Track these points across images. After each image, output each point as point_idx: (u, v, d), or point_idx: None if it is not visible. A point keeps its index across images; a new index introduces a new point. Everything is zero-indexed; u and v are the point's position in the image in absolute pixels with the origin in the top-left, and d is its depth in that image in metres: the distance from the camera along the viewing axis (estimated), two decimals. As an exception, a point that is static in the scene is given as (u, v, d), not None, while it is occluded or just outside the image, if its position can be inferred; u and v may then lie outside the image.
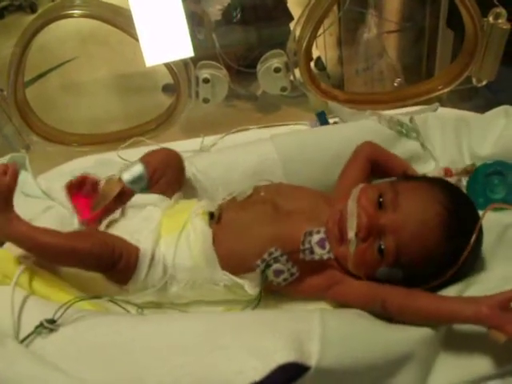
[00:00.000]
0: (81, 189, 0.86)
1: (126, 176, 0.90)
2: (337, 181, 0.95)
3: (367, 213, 0.77)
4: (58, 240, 0.78)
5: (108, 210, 0.88)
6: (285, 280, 0.82)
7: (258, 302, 0.80)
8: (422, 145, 1.03)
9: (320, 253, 0.80)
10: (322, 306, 0.83)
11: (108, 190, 0.87)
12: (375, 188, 0.82)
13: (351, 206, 0.79)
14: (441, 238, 0.74)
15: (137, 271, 0.80)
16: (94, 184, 0.87)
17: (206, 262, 0.82)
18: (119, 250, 0.79)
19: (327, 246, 0.81)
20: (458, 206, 0.77)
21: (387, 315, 0.74)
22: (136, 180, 0.89)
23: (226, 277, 0.81)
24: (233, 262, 0.82)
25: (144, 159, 0.93)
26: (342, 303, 0.81)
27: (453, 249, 0.74)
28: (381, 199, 0.78)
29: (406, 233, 0.74)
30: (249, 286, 0.80)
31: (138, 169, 0.90)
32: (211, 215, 0.86)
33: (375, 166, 0.95)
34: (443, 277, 0.75)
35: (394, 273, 0.76)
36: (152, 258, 0.81)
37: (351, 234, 0.76)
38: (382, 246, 0.75)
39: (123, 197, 0.90)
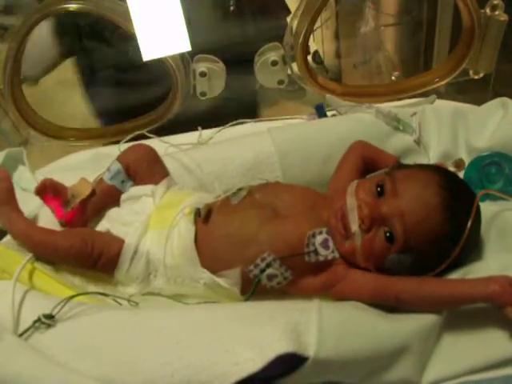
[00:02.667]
0: (47, 191, 0.91)
1: (106, 174, 0.95)
2: (331, 179, 0.96)
3: (367, 203, 0.78)
4: (46, 238, 0.84)
5: (93, 210, 0.93)
6: (278, 283, 0.82)
7: (247, 298, 0.81)
8: (417, 142, 1.03)
9: (324, 253, 0.81)
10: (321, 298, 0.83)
11: (79, 190, 0.92)
12: (371, 180, 0.83)
13: (350, 201, 0.80)
14: (443, 217, 0.76)
15: (119, 264, 0.84)
16: (55, 186, 0.91)
17: (186, 261, 0.83)
18: (99, 249, 0.83)
19: (331, 246, 0.81)
20: (454, 185, 0.81)
21: (400, 307, 0.75)
22: (114, 175, 0.95)
23: (205, 274, 0.81)
24: (217, 263, 0.82)
25: (119, 157, 0.97)
26: (347, 299, 0.80)
27: (455, 227, 0.76)
28: (379, 189, 0.79)
29: (411, 215, 0.76)
30: (226, 283, 0.80)
31: (114, 166, 0.95)
32: (198, 212, 0.86)
33: (368, 164, 0.95)
34: (448, 258, 0.75)
35: (403, 259, 0.77)
36: (135, 252, 0.83)
37: (355, 228, 0.77)
38: (388, 233, 0.76)
39: (107, 196, 0.94)
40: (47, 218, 0.92)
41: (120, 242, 0.84)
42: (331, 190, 0.94)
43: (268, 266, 0.80)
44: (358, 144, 0.97)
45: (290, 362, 0.64)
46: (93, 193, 0.92)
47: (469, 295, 0.72)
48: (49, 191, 0.90)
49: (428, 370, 0.72)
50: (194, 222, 0.85)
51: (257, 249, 0.81)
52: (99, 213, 0.94)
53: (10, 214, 0.86)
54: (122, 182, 0.95)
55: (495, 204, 0.88)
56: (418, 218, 0.76)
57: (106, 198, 0.94)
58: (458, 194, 0.80)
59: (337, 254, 0.81)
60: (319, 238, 0.81)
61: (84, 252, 0.83)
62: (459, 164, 0.99)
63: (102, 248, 0.83)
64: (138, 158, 0.96)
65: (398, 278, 0.77)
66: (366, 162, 0.95)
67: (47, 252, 0.84)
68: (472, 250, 0.82)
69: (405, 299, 0.74)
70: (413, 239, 0.76)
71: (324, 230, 0.82)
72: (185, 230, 0.84)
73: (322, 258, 0.81)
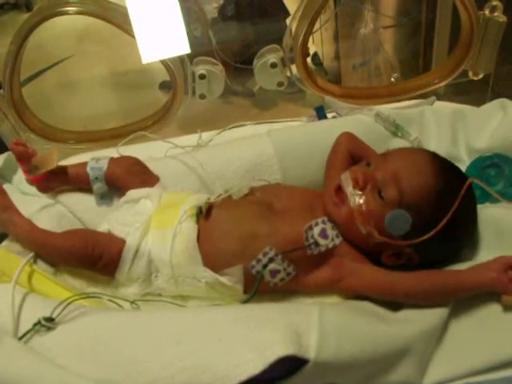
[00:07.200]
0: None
1: (92, 163, 0.97)
2: (325, 179, 0.96)
3: (359, 169, 0.83)
4: (48, 239, 0.85)
5: (59, 182, 0.98)
6: (281, 280, 0.82)
7: (251, 297, 0.80)
8: (417, 143, 1.04)
9: (324, 243, 0.82)
10: (321, 300, 0.83)
11: (44, 162, 0.95)
12: (362, 163, 0.88)
13: (343, 176, 0.84)
14: (434, 171, 0.81)
15: (120, 264, 0.84)
16: (22, 154, 0.94)
17: (188, 259, 0.83)
18: (100, 250, 0.83)
19: (329, 234, 0.82)
20: (437, 155, 0.88)
21: (408, 302, 0.76)
22: (95, 168, 0.96)
23: (206, 273, 0.81)
24: (219, 261, 0.82)
25: (111, 160, 0.98)
26: (355, 294, 0.81)
27: (447, 182, 0.80)
28: (369, 166, 0.85)
29: (402, 174, 0.81)
30: (229, 281, 0.80)
31: (102, 162, 0.97)
32: (200, 210, 0.87)
33: (355, 158, 0.96)
34: (445, 217, 0.76)
35: (403, 215, 0.78)
36: (136, 251, 0.84)
37: (350, 189, 0.81)
38: (383, 194, 0.80)
39: (78, 178, 0.97)
40: (46, 221, 0.92)
41: (121, 242, 0.84)
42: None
43: (270, 260, 0.80)
44: (344, 138, 0.98)
45: (290, 365, 0.63)
46: (57, 170, 0.95)
47: (472, 284, 0.75)
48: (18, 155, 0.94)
49: (429, 371, 0.71)
50: (196, 221, 0.85)
51: (258, 244, 0.81)
52: (62, 185, 0.99)
53: (13, 218, 0.86)
54: (96, 178, 0.96)
55: (494, 206, 0.88)
56: (409, 175, 0.80)
57: (76, 179, 0.98)
58: (443, 158, 0.87)
59: (337, 241, 0.82)
60: (316, 230, 0.82)
61: (85, 252, 0.83)
62: None
63: (103, 248, 0.83)
64: (127, 169, 0.97)
65: (406, 273, 0.78)
66: (354, 156, 0.96)
67: (50, 253, 0.85)
68: (470, 238, 0.85)
69: (413, 293, 0.75)
70: (407, 195, 0.79)
71: (319, 220, 0.83)
72: (187, 228, 0.84)
73: (323, 249, 0.82)
